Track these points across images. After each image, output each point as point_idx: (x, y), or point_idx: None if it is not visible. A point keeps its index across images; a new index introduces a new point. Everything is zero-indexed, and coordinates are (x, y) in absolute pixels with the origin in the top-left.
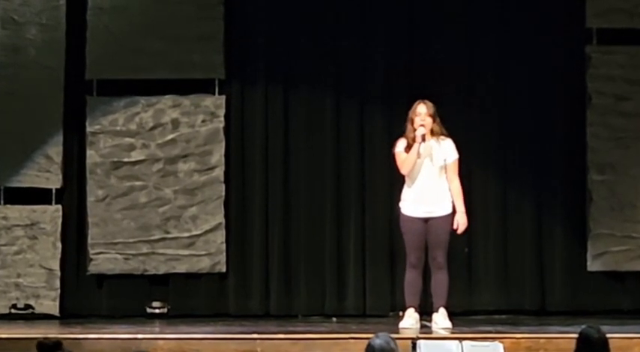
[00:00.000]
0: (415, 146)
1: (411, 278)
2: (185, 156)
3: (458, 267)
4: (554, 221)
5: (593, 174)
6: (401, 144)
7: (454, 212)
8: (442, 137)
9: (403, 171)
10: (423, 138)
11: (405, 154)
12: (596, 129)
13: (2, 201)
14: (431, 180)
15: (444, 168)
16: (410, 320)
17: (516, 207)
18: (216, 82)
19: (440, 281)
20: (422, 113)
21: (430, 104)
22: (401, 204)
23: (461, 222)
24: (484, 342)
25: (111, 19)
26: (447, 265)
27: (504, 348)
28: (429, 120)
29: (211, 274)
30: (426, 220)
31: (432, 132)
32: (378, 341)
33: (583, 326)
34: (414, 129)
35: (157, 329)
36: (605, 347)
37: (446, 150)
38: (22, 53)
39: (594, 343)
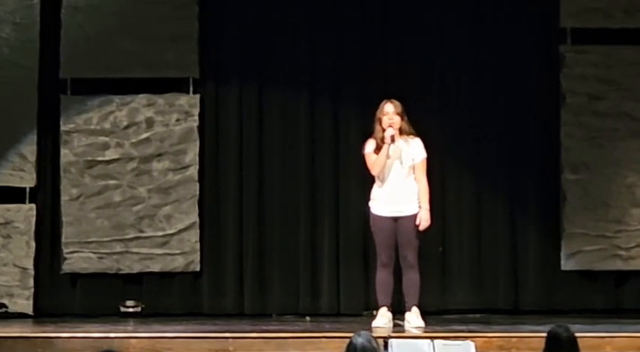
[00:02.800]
0: (385, 147)
1: (382, 278)
2: (159, 155)
3: (432, 266)
4: (528, 220)
5: (567, 173)
6: (370, 146)
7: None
8: (410, 136)
9: (373, 172)
10: (392, 139)
11: (374, 156)
12: (570, 128)
13: None
14: (400, 179)
15: (413, 167)
16: (382, 319)
17: (490, 206)
18: (191, 81)
19: (411, 280)
20: (389, 112)
21: (397, 103)
22: (370, 204)
23: (423, 219)
24: (456, 341)
25: (85, 18)
26: (418, 264)
27: (476, 347)
28: (396, 119)
29: (185, 273)
30: (396, 219)
31: (401, 131)
32: (360, 340)
33: (552, 326)
34: (383, 129)
35: (130, 328)
36: (574, 346)
37: (414, 150)
38: None
39: (563, 342)
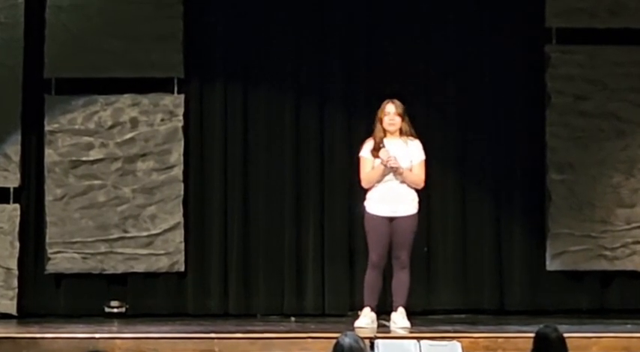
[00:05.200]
0: (378, 167)
1: (372, 278)
2: (144, 155)
3: (417, 267)
4: (513, 220)
5: (553, 173)
6: (367, 148)
7: (419, 211)
8: (410, 138)
9: (363, 184)
10: (387, 162)
11: (369, 163)
12: (555, 128)
13: None
14: (397, 179)
15: (410, 168)
16: (366, 319)
17: (475, 206)
18: (175, 81)
19: (402, 280)
20: (390, 112)
21: (399, 103)
22: (366, 203)
23: (392, 156)
24: (442, 342)
25: (69, 17)
26: (410, 265)
27: (462, 348)
28: (397, 120)
29: (170, 273)
30: (391, 219)
31: (401, 132)
32: (347, 340)
33: (540, 326)
34: (383, 129)
35: (114, 328)
36: (563, 346)
37: (413, 151)
38: None
39: (551, 342)
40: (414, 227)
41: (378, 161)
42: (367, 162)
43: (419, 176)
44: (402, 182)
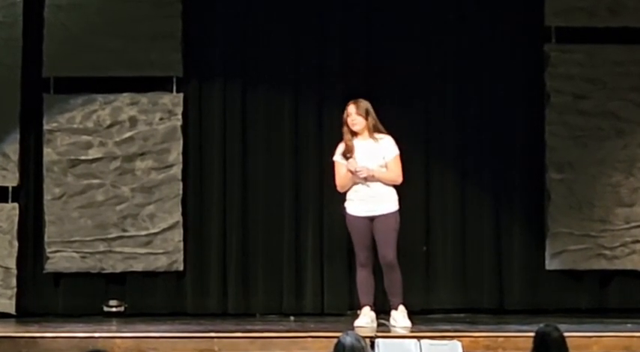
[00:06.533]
0: (347, 174)
1: (362, 278)
2: (143, 154)
3: (416, 266)
4: (512, 219)
5: (552, 172)
6: (338, 152)
7: (399, 209)
8: (380, 135)
9: (338, 188)
10: (356, 173)
11: (342, 166)
12: (554, 127)
13: None
14: (373, 179)
15: (385, 166)
16: (365, 318)
17: (475, 205)
18: (174, 80)
19: (392, 279)
20: (352, 113)
21: (362, 103)
22: (346, 204)
23: (360, 167)
24: (442, 341)
25: (68, 16)
26: (398, 262)
27: (463, 347)
28: (359, 120)
29: (169, 272)
30: (372, 219)
31: (370, 130)
32: (348, 339)
33: (540, 325)
34: (350, 131)
35: (114, 327)
36: (563, 346)
37: (385, 148)
38: None
39: (552, 342)
40: (395, 224)
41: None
42: (339, 166)
43: (395, 172)
44: (378, 181)
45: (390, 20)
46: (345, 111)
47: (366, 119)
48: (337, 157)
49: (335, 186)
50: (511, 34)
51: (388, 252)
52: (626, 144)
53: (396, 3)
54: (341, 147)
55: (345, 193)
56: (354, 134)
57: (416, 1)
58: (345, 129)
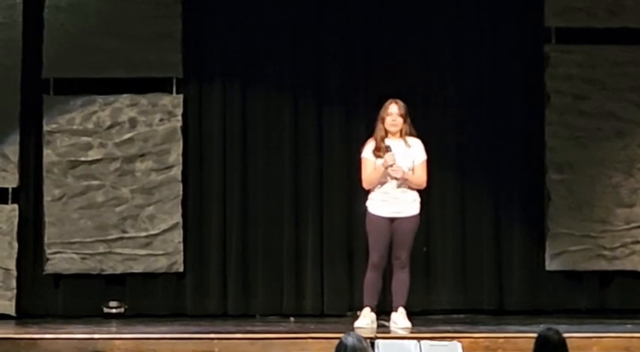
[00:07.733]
0: (379, 168)
1: (372, 279)
2: (142, 155)
3: (416, 267)
4: (512, 220)
5: (552, 173)
6: (368, 149)
7: (421, 212)
8: (411, 138)
9: (364, 185)
10: (389, 166)
11: (371, 163)
12: (554, 128)
13: None
14: (402, 179)
15: (412, 169)
16: (365, 319)
17: (475, 206)
18: (174, 81)
19: (402, 280)
20: (393, 113)
21: (402, 104)
22: (368, 203)
23: (397, 165)
24: (442, 342)
25: (68, 17)
26: (410, 265)
27: (463, 348)
28: (399, 121)
29: (169, 274)
30: (393, 220)
31: (402, 133)
32: (350, 340)
33: (541, 326)
34: (385, 129)
35: (113, 329)
36: (564, 348)
37: (415, 152)
38: None
39: (553, 345)
40: (415, 227)
41: (379, 161)
42: (369, 163)
43: (421, 177)
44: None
45: (390, 20)
46: (385, 109)
47: (405, 121)
48: (367, 154)
49: (361, 181)
50: (511, 35)
51: (404, 253)
52: (625, 145)
53: (396, 3)
54: (371, 144)
55: (368, 192)
56: (386, 133)
57: (416, 2)
58: (379, 125)
